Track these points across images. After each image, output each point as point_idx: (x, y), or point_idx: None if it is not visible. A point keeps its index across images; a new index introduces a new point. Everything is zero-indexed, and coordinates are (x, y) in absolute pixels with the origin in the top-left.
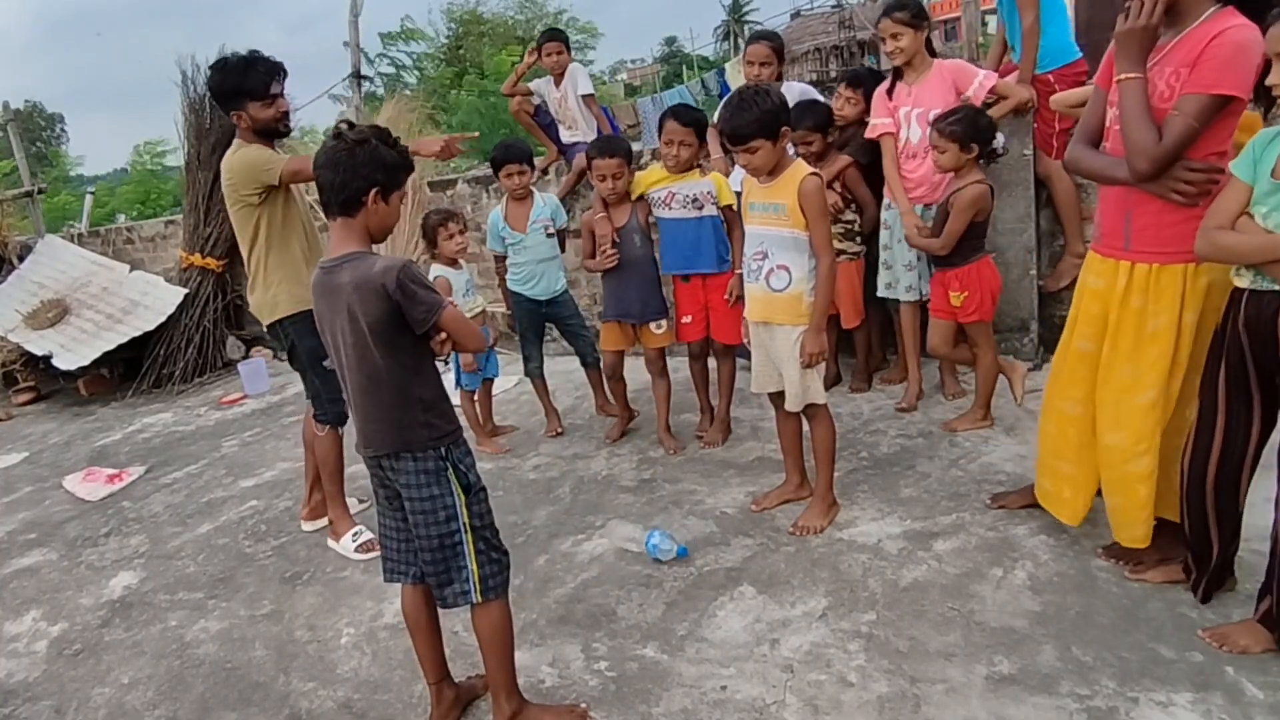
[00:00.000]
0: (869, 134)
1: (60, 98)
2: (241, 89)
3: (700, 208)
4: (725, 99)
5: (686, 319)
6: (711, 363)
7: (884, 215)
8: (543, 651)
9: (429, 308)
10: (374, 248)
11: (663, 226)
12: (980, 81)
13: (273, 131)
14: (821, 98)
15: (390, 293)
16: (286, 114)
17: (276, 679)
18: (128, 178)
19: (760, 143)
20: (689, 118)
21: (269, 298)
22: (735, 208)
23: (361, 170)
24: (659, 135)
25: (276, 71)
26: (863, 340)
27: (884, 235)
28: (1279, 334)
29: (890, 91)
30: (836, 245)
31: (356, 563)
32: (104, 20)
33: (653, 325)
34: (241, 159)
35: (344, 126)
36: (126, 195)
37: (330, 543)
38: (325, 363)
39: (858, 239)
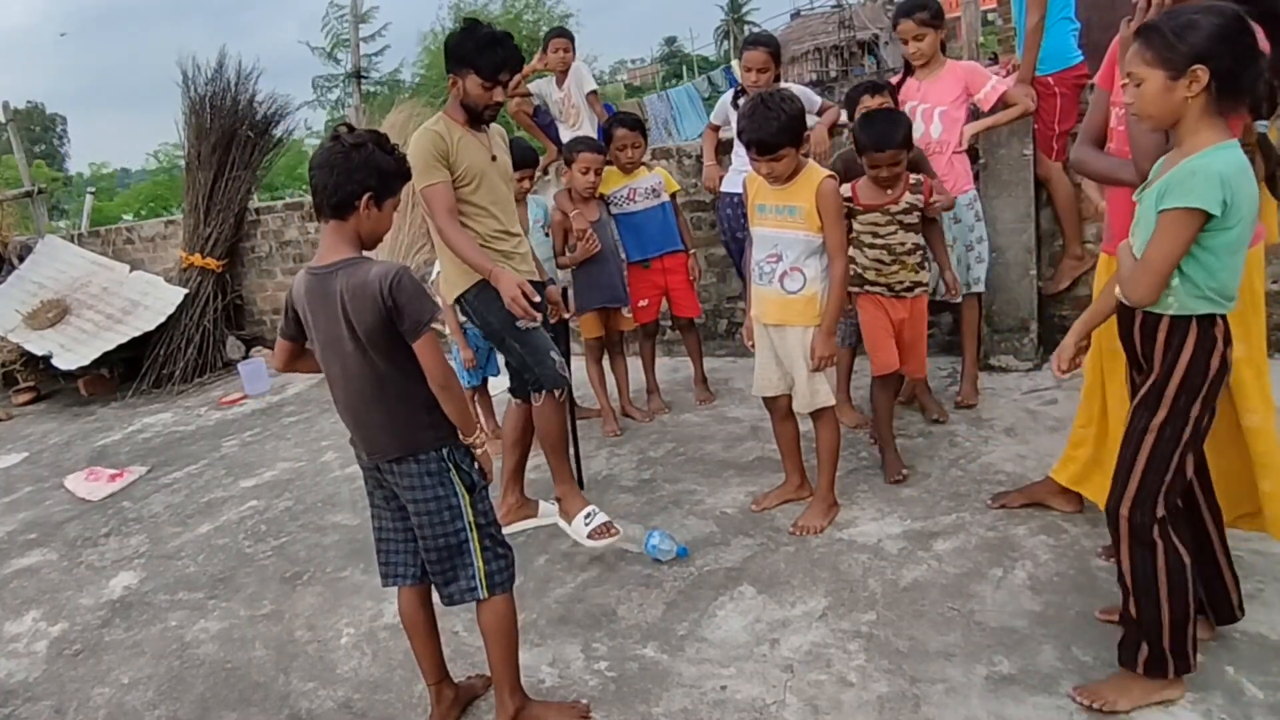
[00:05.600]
0: None
1: (76, 96)
2: (472, 59)
3: (659, 196)
4: (728, 101)
5: (643, 303)
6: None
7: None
8: (543, 651)
9: (417, 320)
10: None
11: (628, 221)
12: (993, 85)
13: (477, 115)
14: (820, 99)
15: (383, 298)
16: (498, 105)
17: (276, 679)
18: (152, 173)
19: (788, 150)
20: (633, 122)
21: (447, 277)
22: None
23: (355, 174)
24: (609, 143)
25: (510, 62)
26: (885, 404)
27: (955, 229)
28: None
29: (899, 86)
30: (911, 277)
31: (358, 563)
32: (125, 18)
33: (625, 310)
34: (415, 143)
35: (343, 130)
36: (140, 193)
37: (561, 524)
38: (519, 322)
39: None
